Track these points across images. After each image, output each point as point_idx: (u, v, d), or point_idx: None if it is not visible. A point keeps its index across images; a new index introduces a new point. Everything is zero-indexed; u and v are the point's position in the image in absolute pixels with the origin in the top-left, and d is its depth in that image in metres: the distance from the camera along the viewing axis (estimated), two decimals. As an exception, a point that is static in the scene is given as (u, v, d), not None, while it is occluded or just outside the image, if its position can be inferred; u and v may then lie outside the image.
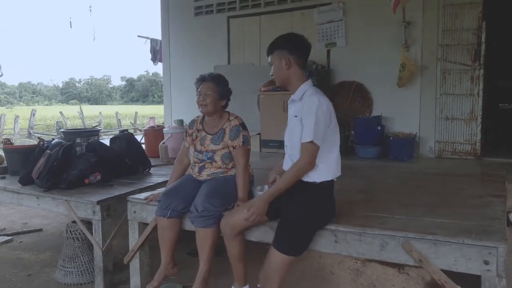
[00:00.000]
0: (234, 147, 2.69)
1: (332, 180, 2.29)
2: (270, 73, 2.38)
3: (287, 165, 2.36)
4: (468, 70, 4.80)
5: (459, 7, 4.80)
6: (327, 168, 2.24)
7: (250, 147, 2.78)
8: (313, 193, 2.22)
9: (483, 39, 4.69)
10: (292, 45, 2.29)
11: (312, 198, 2.21)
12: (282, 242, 2.14)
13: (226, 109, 2.86)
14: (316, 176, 2.22)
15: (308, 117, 2.17)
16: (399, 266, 3.33)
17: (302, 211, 2.17)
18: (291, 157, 2.28)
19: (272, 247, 2.16)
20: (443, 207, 2.61)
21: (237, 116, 2.81)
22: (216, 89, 2.73)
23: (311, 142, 2.14)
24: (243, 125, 2.76)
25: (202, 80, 2.78)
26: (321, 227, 2.25)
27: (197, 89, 2.78)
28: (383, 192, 3.19)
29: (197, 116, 2.93)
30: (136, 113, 23.44)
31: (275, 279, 2.15)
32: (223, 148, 2.71)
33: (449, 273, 2.00)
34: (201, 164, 2.76)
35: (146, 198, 2.85)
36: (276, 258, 2.14)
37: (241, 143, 2.69)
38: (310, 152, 2.16)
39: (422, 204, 2.70)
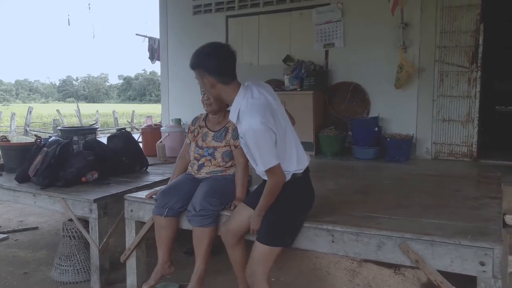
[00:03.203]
0: (235, 147, 2.71)
1: (301, 172, 2.23)
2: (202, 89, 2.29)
3: (257, 170, 2.28)
4: (466, 72, 4.82)
5: (457, 9, 4.81)
6: (293, 169, 2.19)
7: None
8: (287, 187, 2.17)
9: (480, 41, 4.70)
10: (209, 66, 2.10)
11: (288, 191, 2.18)
12: (262, 233, 2.17)
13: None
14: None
15: (251, 147, 2.05)
16: (395, 267, 3.34)
17: (281, 204, 2.18)
18: (256, 162, 2.18)
19: (255, 241, 2.19)
20: (439, 208, 2.62)
21: None
22: None
23: (269, 168, 2.06)
24: None
25: None
26: (303, 215, 2.27)
27: (201, 88, 2.79)
28: (380, 193, 3.19)
29: (201, 114, 2.94)
30: (133, 111, 23.34)
31: (260, 272, 2.16)
32: (225, 146, 2.72)
33: (445, 274, 2.01)
34: (201, 162, 2.77)
35: (146, 196, 2.83)
36: (259, 250, 2.16)
37: None
38: (274, 173, 2.07)
39: (419, 205, 2.71)
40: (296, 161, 2.21)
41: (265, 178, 2.19)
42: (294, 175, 2.22)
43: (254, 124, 1.99)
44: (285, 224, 2.23)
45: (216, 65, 2.11)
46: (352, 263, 3.52)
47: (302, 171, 2.24)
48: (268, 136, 2.02)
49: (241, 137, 2.15)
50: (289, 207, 2.21)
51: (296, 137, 2.25)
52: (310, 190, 2.33)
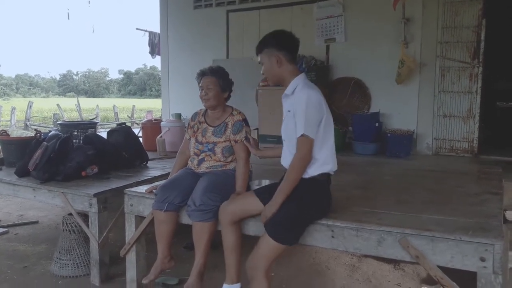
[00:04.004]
0: (236, 141, 2.70)
1: (329, 174, 2.29)
2: (261, 72, 2.36)
3: (285, 160, 2.34)
4: (467, 67, 4.80)
5: (459, 4, 4.78)
6: (322, 162, 2.25)
7: None
8: (310, 186, 2.22)
9: (482, 37, 4.68)
10: (280, 42, 2.30)
11: (310, 191, 2.22)
12: (276, 230, 2.14)
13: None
14: (312, 171, 2.23)
15: (299, 111, 2.18)
16: (394, 262, 3.34)
17: (300, 203, 2.18)
18: (291, 151, 2.27)
19: (265, 235, 2.16)
20: (440, 204, 2.61)
21: (240, 112, 2.83)
22: (217, 82, 2.74)
23: (304, 135, 2.15)
24: (246, 121, 2.79)
25: (202, 74, 2.79)
26: (317, 220, 2.26)
27: (199, 83, 2.78)
28: (381, 188, 3.19)
29: (200, 109, 2.94)
30: (134, 106, 23.32)
31: (262, 266, 2.16)
32: (225, 141, 2.72)
33: (445, 270, 2.01)
34: (201, 157, 2.76)
35: (146, 191, 2.83)
36: (267, 245, 2.15)
37: (243, 138, 2.70)
38: (305, 146, 2.17)
39: (419, 201, 2.71)
40: (331, 158, 2.29)
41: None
42: (324, 174, 2.25)
43: (311, 93, 2.20)
44: (300, 224, 2.22)
45: (288, 42, 2.32)
46: (352, 258, 3.53)
47: (331, 173, 2.30)
48: (318, 109, 2.19)
49: (289, 110, 2.27)
50: (309, 209, 2.21)
51: (333, 139, 2.34)
52: (330, 197, 2.35)
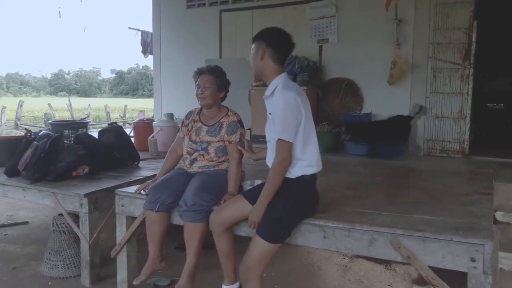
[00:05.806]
0: (230, 142, 2.70)
1: (314, 174, 2.29)
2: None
3: (269, 160, 2.33)
4: (458, 69, 4.83)
5: (451, 6, 4.81)
6: (307, 163, 2.25)
7: None
8: (297, 185, 2.23)
9: (473, 39, 4.71)
10: (271, 39, 2.30)
11: (296, 190, 2.22)
12: (268, 230, 2.15)
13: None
14: (296, 171, 2.23)
15: (277, 115, 2.19)
16: (386, 263, 3.35)
17: (288, 202, 2.19)
18: (273, 152, 2.26)
19: (256, 237, 2.16)
20: (431, 205, 2.62)
21: (236, 113, 2.83)
22: (214, 81, 2.75)
23: (283, 139, 2.15)
24: (241, 123, 2.80)
25: (200, 73, 2.79)
26: (304, 219, 2.27)
27: (196, 82, 2.78)
28: (372, 189, 3.19)
29: (195, 108, 2.93)
30: (126, 106, 23.18)
31: (257, 269, 2.16)
32: (219, 141, 2.72)
33: (436, 270, 2.01)
34: (194, 156, 2.75)
35: (135, 191, 2.82)
36: (260, 247, 2.15)
37: (238, 139, 2.71)
38: (284, 149, 2.17)
39: (411, 201, 2.72)
40: (316, 158, 2.29)
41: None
42: (313, 175, 2.27)
43: (287, 96, 2.19)
44: (289, 222, 2.23)
45: (280, 41, 2.31)
46: (344, 258, 3.53)
47: (316, 172, 2.30)
48: (295, 112, 2.18)
49: (270, 113, 2.27)
50: (297, 207, 2.22)
51: (315, 138, 2.34)
52: (316, 197, 2.36)
